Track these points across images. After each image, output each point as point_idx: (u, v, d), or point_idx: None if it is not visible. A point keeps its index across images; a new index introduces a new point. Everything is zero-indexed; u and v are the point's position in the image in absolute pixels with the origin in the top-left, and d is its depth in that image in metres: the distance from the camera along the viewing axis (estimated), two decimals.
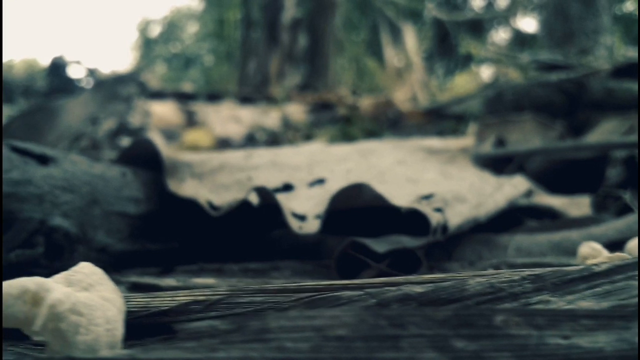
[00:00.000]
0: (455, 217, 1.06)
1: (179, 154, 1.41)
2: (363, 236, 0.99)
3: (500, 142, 2.64)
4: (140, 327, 0.52)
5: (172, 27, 16.14)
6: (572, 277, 0.51)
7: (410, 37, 8.58)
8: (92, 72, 6.80)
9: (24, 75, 8.35)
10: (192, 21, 16.08)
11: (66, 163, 1.07)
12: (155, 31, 16.33)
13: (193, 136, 4.85)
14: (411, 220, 1.08)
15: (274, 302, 0.51)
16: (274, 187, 1.22)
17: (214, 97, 6.58)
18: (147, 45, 16.03)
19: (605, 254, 0.79)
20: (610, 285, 0.50)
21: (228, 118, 5.94)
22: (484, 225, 1.24)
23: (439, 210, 1.03)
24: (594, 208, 1.72)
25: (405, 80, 7.95)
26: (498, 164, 2.31)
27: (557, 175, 2.29)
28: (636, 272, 0.49)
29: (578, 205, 1.72)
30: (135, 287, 0.84)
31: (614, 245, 1.11)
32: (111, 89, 3.21)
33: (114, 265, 1.05)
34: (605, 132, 2.63)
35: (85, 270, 0.50)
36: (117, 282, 0.56)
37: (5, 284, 0.47)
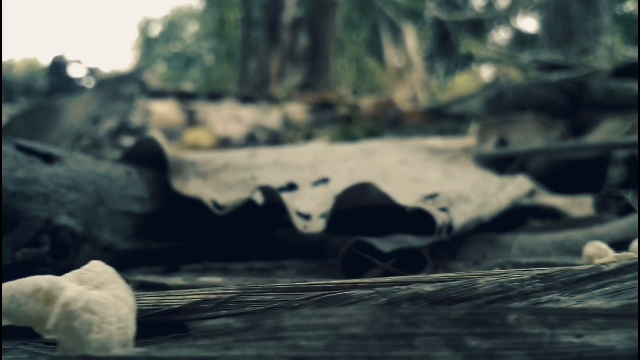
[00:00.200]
0: (460, 216, 1.06)
1: (183, 154, 1.41)
2: (367, 236, 0.99)
3: (502, 142, 2.64)
4: (151, 326, 0.52)
5: (172, 26, 16.14)
6: (581, 276, 0.51)
7: (411, 37, 8.58)
8: (92, 72, 6.81)
9: (25, 75, 8.35)
10: (193, 21, 16.08)
11: (71, 162, 1.07)
12: (156, 31, 16.33)
13: (194, 136, 4.86)
14: (415, 220, 1.08)
15: (285, 301, 0.51)
16: (278, 186, 1.22)
17: (214, 96, 6.58)
18: (148, 44, 16.04)
19: (611, 253, 0.79)
20: (619, 285, 0.50)
21: (229, 118, 5.94)
22: (488, 225, 1.24)
23: (444, 210, 1.03)
24: (596, 208, 1.72)
25: (406, 80, 7.95)
26: (500, 164, 2.31)
27: (559, 175, 2.29)
28: None
29: (580, 206, 1.72)
30: (142, 287, 0.84)
31: (618, 245, 1.11)
32: (113, 88, 3.22)
33: (119, 264, 1.05)
34: (607, 132, 2.63)
35: (97, 268, 0.50)
36: (124, 282, 0.56)
37: (17, 282, 0.47)
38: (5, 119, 3.63)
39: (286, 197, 1.10)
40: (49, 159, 1.04)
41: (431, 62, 10.46)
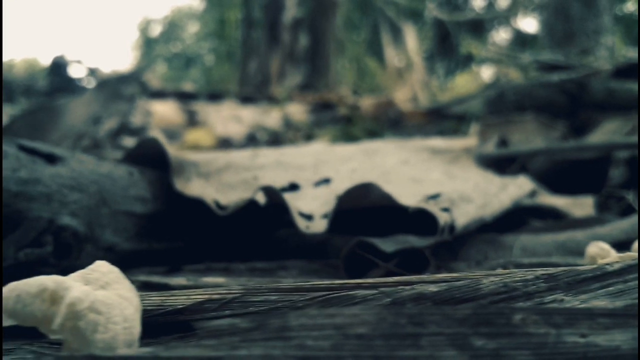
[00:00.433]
0: (462, 216, 1.07)
1: (185, 154, 1.41)
2: (368, 236, 0.99)
3: (502, 142, 2.64)
4: (155, 326, 0.52)
5: (172, 26, 16.14)
6: (585, 276, 0.51)
7: (411, 37, 8.58)
8: (92, 72, 6.81)
9: (25, 75, 8.35)
10: (193, 21, 16.08)
11: (74, 162, 1.07)
12: (156, 31, 16.33)
13: (194, 136, 4.86)
14: (416, 220, 1.08)
15: (289, 301, 0.51)
16: (280, 186, 1.22)
17: (214, 96, 6.58)
18: (148, 44, 16.03)
19: (613, 253, 0.79)
20: (623, 285, 0.50)
21: (229, 118, 5.94)
22: (489, 225, 1.24)
23: (446, 210, 1.03)
24: (597, 208, 1.72)
25: (406, 80, 7.95)
26: (500, 164, 2.32)
27: (559, 175, 2.30)
28: None
29: (581, 206, 1.72)
30: (144, 287, 0.84)
31: (620, 245, 1.11)
32: (114, 88, 3.22)
33: (121, 264, 1.05)
34: (608, 132, 2.64)
35: (102, 268, 0.50)
36: (129, 281, 0.57)
37: (23, 282, 0.47)
38: (5, 119, 3.63)
39: (288, 197, 1.10)
40: (51, 159, 1.04)
41: (431, 62, 10.47)
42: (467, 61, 9.62)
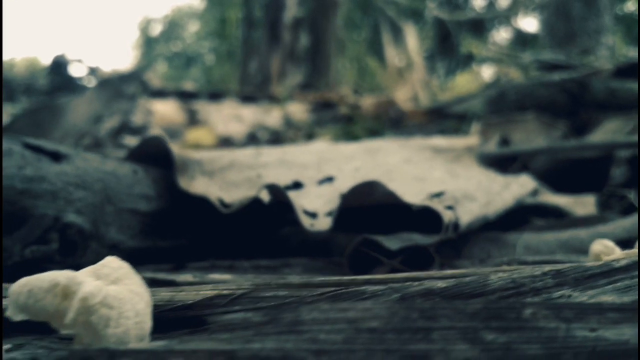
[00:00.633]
0: (466, 215, 1.07)
1: (188, 152, 1.41)
2: (371, 234, 0.99)
3: (504, 142, 2.65)
4: (165, 321, 0.52)
5: (173, 25, 16.14)
6: (592, 272, 0.51)
7: (412, 36, 8.58)
8: (93, 71, 6.81)
9: (26, 74, 8.35)
10: (194, 20, 16.08)
11: (78, 160, 1.07)
12: (156, 30, 16.33)
13: (195, 135, 4.86)
14: (419, 218, 1.09)
15: (298, 297, 0.51)
16: (283, 185, 1.23)
17: (215, 96, 6.58)
18: (148, 44, 16.03)
19: (618, 251, 0.80)
20: (630, 281, 0.50)
21: (230, 117, 5.94)
22: (492, 223, 1.25)
23: (450, 208, 1.04)
24: (599, 207, 1.72)
25: (407, 80, 7.95)
26: (502, 163, 2.32)
27: (561, 174, 2.30)
28: None
29: (583, 204, 1.73)
30: (151, 283, 0.84)
31: (622, 243, 1.11)
32: (116, 87, 3.22)
33: (125, 262, 1.06)
34: (609, 131, 2.64)
35: (113, 264, 0.51)
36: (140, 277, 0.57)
37: (34, 277, 0.47)
38: (6, 118, 3.63)
39: (292, 195, 1.10)
40: (56, 156, 1.05)
41: (432, 62, 10.47)
42: (467, 61, 9.62)
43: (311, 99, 6.77)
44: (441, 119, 5.47)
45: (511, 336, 0.37)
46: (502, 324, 0.38)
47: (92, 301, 0.43)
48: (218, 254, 1.17)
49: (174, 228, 1.19)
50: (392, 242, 0.95)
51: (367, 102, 6.62)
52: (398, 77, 8.02)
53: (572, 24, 6.18)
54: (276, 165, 1.37)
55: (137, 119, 4.24)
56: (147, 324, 0.47)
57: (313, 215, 1.11)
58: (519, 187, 1.45)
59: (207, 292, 0.53)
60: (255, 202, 1.11)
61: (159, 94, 5.80)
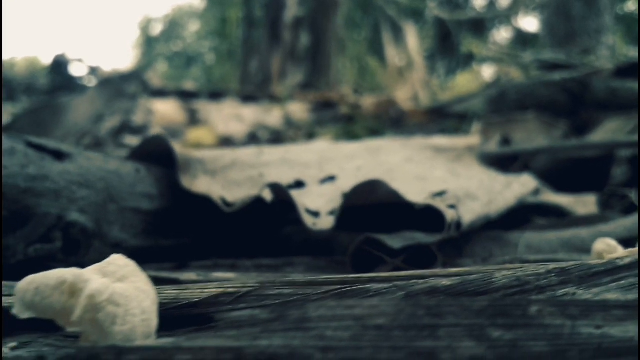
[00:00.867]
0: (468, 214, 1.07)
1: (191, 151, 1.42)
2: (373, 233, 0.99)
3: (505, 141, 2.65)
4: (170, 319, 0.52)
5: (173, 25, 16.14)
6: (596, 270, 0.51)
7: (412, 36, 8.58)
8: (93, 70, 6.81)
9: (26, 73, 8.35)
10: (194, 19, 16.08)
11: (81, 159, 1.07)
12: (156, 29, 16.33)
13: (196, 134, 4.86)
14: (421, 217, 1.09)
15: (303, 294, 0.51)
16: (286, 184, 1.23)
17: (216, 95, 6.58)
18: (149, 43, 16.03)
19: (620, 250, 0.80)
20: (634, 279, 0.50)
21: (230, 116, 5.94)
22: (493, 222, 1.25)
23: (452, 207, 1.04)
24: (600, 206, 1.73)
25: (407, 80, 7.95)
26: (503, 163, 2.32)
27: (562, 174, 2.30)
28: None
29: (584, 204, 1.73)
30: (155, 282, 0.84)
31: (623, 243, 1.11)
32: (117, 86, 3.22)
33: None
34: (610, 131, 2.64)
35: (119, 262, 0.51)
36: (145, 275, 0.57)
37: (41, 275, 0.47)
38: (7, 117, 3.64)
39: (294, 194, 1.10)
40: (59, 155, 1.05)
41: (432, 61, 10.47)
42: (468, 60, 9.62)
43: (312, 98, 6.78)
44: (441, 118, 5.48)
45: (517, 333, 0.37)
46: (508, 321, 0.38)
47: (99, 299, 0.44)
48: (220, 253, 1.17)
49: (176, 227, 1.19)
50: (395, 241, 0.95)
51: (368, 101, 6.62)
52: (398, 76, 8.02)
53: (573, 23, 6.19)
54: (278, 164, 1.37)
55: (137, 118, 4.24)
56: (154, 321, 0.47)
57: (315, 214, 1.11)
58: (521, 186, 1.45)
59: (212, 290, 0.53)
60: (258, 201, 1.11)
61: (160, 93, 5.80)
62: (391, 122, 5.89)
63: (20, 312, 0.46)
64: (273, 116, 6.16)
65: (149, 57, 15.21)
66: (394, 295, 0.49)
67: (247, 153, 1.42)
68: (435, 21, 10.74)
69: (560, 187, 1.94)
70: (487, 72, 9.12)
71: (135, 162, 1.22)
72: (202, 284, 0.55)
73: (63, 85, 6.15)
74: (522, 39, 11.00)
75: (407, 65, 8.24)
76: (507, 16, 12.08)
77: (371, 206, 1.16)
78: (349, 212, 1.10)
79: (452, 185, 1.29)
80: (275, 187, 1.11)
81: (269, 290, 0.52)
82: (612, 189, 1.90)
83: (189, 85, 9.39)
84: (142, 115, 4.46)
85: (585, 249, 1.21)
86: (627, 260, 0.52)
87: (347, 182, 1.26)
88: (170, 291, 0.53)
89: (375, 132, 5.05)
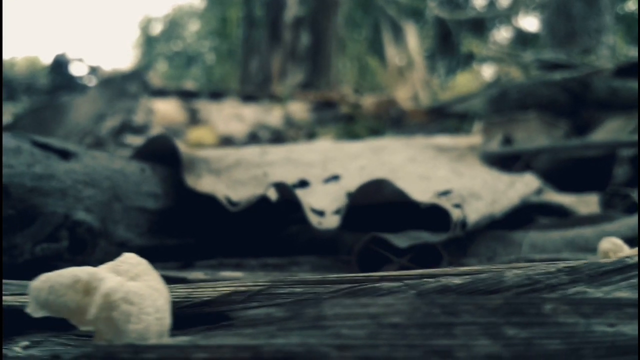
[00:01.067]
0: (473, 213, 1.07)
1: (195, 150, 1.42)
2: (377, 232, 1.00)
3: (507, 141, 2.65)
4: (182, 318, 0.52)
5: (173, 25, 16.14)
6: (606, 269, 0.52)
7: (412, 35, 8.58)
8: (94, 70, 6.81)
9: (26, 73, 8.35)
10: (194, 19, 16.08)
11: (87, 158, 1.08)
12: (157, 29, 16.32)
13: (197, 134, 4.87)
14: (425, 216, 1.09)
15: (314, 293, 0.52)
16: (290, 183, 1.23)
17: (216, 95, 6.58)
18: (149, 43, 16.03)
19: (626, 249, 0.80)
20: None
21: (231, 116, 5.95)
22: (496, 222, 1.25)
23: (457, 206, 1.04)
24: (602, 206, 1.73)
25: (407, 79, 7.95)
26: (505, 162, 2.33)
27: (563, 173, 2.31)
28: None
29: (586, 203, 1.73)
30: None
31: (627, 242, 1.12)
32: (119, 86, 3.22)
33: None
34: (611, 131, 2.64)
35: (131, 260, 0.51)
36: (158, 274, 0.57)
37: (55, 273, 0.48)
38: (7, 117, 3.64)
39: (299, 193, 1.10)
40: (64, 154, 1.05)
41: (432, 61, 10.47)
42: (468, 60, 9.63)
43: (312, 98, 6.78)
44: (442, 118, 5.48)
45: (532, 331, 0.38)
46: (523, 319, 0.38)
47: (114, 297, 0.44)
48: (225, 252, 1.17)
49: (180, 226, 1.19)
50: (401, 240, 0.95)
51: (368, 101, 6.63)
52: (399, 76, 8.02)
53: (573, 23, 6.19)
54: (282, 163, 1.37)
55: (138, 118, 4.24)
56: (167, 320, 0.47)
57: (320, 213, 1.11)
58: (524, 185, 1.45)
59: (223, 288, 0.53)
60: (262, 200, 1.12)
61: (160, 93, 5.80)
62: (391, 121, 5.89)
63: (34, 311, 0.46)
64: (273, 116, 6.16)
65: (149, 56, 15.21)
66: (405, 294, 0.49)
67: (251, 152, 1.42)
68: (435, 21, 10.75)
69: (562, 186, 1.95)
70: (487, 72, 9.12)
71: (139, 161, 1.22)
72: (213, 283, 0.55)
73: (63, 85, 6.14)
74: (522, 39, 11.01)
75: (407, 65, 8.25)
76: (507, 16, 12.08)
77: (374, 205, 1.16)
78: (352, 212, 1.10)
79: (456, 184, 1.29)
80: (280, 186, 1.11)
81: (280, 289, 0.52)
82: (614, 189, 1.91)
83: (189, 85, 9.40)
84: (143, 115, 4.46)
85: (589, 248, 1.21)
86: (636, 259, 0.53)
87: (351, 181, 1.26)
88: (182, 290, 0.54)
89: (375, 131, 5.06)
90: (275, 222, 1.27)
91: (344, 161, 1.47)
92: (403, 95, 7.13)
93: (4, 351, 0.52)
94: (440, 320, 0.38)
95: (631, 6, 10.24)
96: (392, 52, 8.43)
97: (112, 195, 1.07)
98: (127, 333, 0.44)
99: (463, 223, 1.02)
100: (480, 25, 11.24)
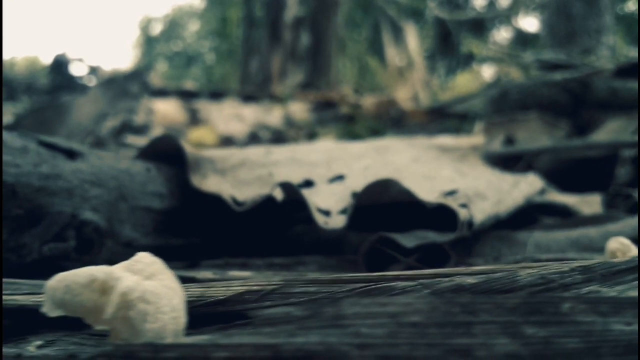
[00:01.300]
0: (479, 213, 1.07)
1: (200, 150, 1.42)
2: (382, 232, 1.00)
3: (509, 141, 2.65)
4: (195, 317, 0.53)
5: (173, 25, 16.13)
6: (619, 268, 0.52)
7: (412, 36, 8.59)
8: (94, 70, 6.81)
9: (26, 73, 8.34)
10: (194, 19, 16.07)
11: (93, 158, 1.08)
12: (157, 29, 16.32)
13: (197, 134, 4.87)
14: (431, 216, 1.09)
15: (328, 292, 0.52)
16: (295, 183, 1.23)
17: (216, 95, 6.58)
18: (149, 43, 16.02)
19: (634, 249, 0.80)
20: None
21: (231, 116, 5.95)
22: (501, 222, 1.25)
23: (464, 206, 1.04)
24: (605, 206, 1.73)
25: (407, 79, 7.96)
26: (506, 162, 2.33)
27: (565, 173, 2.31)
28: None
29: (589, 203, 1.73)
30: None
31: (632, 242, 1.12)
32: (120, 86, 3.22)
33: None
34: (612, 131, 2.65)
35: (146, 259, 0.51)
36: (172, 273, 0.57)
37: (71, 273, 0.48)
38: (8, 117, 3.63)
39: (305, 193, 1.10)
40: (70, 154, 1.05)
41: (432, 61, 10.48)
42: (468, 60, 9.64)
43: (312, 98, 6.78)
44: (442, 118, 5.49)
45: (551, 330, 0.38)
46: (542, 318, 0.38)
47: (131, 296, 0.44)
48: (231, 252, 1.17)
49: (186, 226, 1.19)
50: (408, 240, 0.95)
51: (368, 101, 6.63)
52: (398, 76, 8.03)
53: (573, 23, 6.19)
54: (287, 163, 1.37)
55: (138, 118, 4.24)
56: (182, 319, 0.47)
57: (326, 213, 1.11)
58: (528, 185, 1.46)
59: (237, 288, 0.53)
60: (268, 200, 1.12)
61: (160, 93, 5.80)
62: (392, 121, 5.89)
63: (50, 310, 0.46)
64: (273, 116, 6.16)
65: (149, 57, 15.21)
66: (419, 293, 0.49)
67: (256, 152, 1.42)
68: (435, 21, 10.75)
69: (564, 186, 1.95)
70: (487, 72, 9.13)
71: (145, 161, 1.22)
72: (225, 282, 0.55)
73: (63, 85, 6.14)
74: (522, 39, 11.01)
75: (407, 65, 8.25)
76: (507, 16, 12.09)
77: (379, 205, 1.16)
78: (357, 211, 1.10)
79: (460, 184, 1.29)
80: (286, 186, 1.11)
81: (293, 288, 0.52)
82: (616, 189, 1.91)
83: (189, 85, 9.39)
84: (143, 115, 4.46)
85: (594, 248, 1.21)
86: None
87: (356, 181, 1.26)
88: (196, 289, 0.54)
89: (376, 131, 5.06)
90: (281, 222, 1.27)
91: (348, 161, 1.47)
92: (403, 96, 7.13)
93: (18, 351, 0.52)
94: (459, 319, 0.38)
95: (631, 6, 10.25)
96: (392, 52, 8.44)
97: (118, 195, 1.07)
98: (144, 332, 0.44)
99: (470, 223, 1.02)
100: (480, 26, 11.24)
